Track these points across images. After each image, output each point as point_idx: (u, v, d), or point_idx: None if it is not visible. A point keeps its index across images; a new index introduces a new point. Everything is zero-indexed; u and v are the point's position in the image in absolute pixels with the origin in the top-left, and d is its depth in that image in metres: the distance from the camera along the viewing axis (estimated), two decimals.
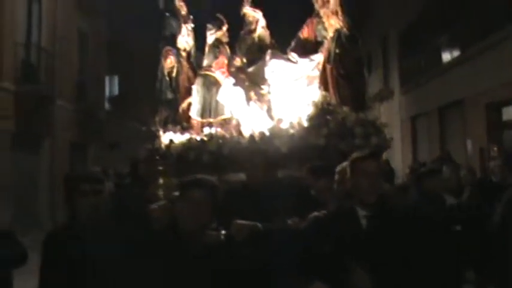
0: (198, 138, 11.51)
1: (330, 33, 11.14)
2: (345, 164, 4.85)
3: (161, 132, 12.24)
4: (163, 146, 11.79)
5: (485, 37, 15.09)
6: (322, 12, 11.60)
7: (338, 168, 5.55)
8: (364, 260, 3.88)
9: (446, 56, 18.04)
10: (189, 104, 12.96)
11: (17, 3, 17.23)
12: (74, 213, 4.35)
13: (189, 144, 11.36)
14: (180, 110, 13.10)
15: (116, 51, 25.87)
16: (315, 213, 5.18)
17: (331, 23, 11.13)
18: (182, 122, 12.79)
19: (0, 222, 5.88)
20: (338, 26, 10.91)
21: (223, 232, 4.25)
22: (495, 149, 14.21)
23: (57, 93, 19.32)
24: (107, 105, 27.82)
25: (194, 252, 3.82)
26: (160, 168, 10.72)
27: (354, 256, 3.93)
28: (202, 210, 3.84)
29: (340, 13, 10.91)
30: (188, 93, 13.17)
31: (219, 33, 13.16)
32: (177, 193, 4.25)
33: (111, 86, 29.71)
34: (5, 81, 15.57)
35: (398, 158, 20.39)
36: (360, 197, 4.13)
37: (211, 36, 13.21)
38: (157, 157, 11.36)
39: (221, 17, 13.29)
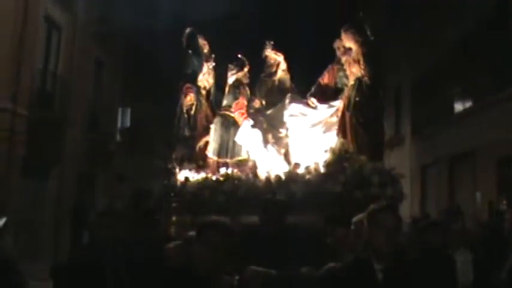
0: (214, 177, 11.49)
1: (351, 81, 11.20)
2: (361, 215, 4.81)
3: (177, 170, 12.22)
4: (178, 183, 11.77)
5: (499, 90, 15.10)
6: (343, 59, 11.68)
7: (355, 219, 5.52)
8: None
9: (458, 107, 18.04)
10: (206, 143, 12.97)
11: (38, 30, 17.40)
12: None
13: (204, 183, 11.34)
14: (197, 148, 13.09)
15: (130, 84, 26.03)
16: (331, 264, 5.14)
17: (352, 71, 11.19)
18: (198, 161, 12.77)
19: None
20: (359, 75, 10.95)
21: (237, 277, 4.22)
22: (504, 202, 14.08)
23: (70, 122, 19.36)
24: (118, 137, 27.88)
25: None
26: (174, 205, 10.71)
27: None
28: (218, 253, 3.80)
29: (361, 62, 10.96)
30: (206, 131, 13.19)
31: (240, 74, 13.23)
32: (192, 233, 4.23)
33: (124, 118, 29.84)
34: (20, 106, 15.65)
35: (407, 207, 20.19)
36: (376, 249, 4.10)
37: (232, 77, 13.24)
38: (172, 194, 11.36)
39: (243, 57, 13.34)
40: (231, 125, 12.65)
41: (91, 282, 4.21)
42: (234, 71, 13.27)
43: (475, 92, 16.96)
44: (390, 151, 23.34)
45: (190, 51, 14.07)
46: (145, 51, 24.95)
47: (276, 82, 13.20)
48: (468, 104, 17.38)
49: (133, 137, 27.56)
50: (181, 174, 12.03)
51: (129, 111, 29.98)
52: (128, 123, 30.07)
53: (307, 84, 12.88)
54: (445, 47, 19.02)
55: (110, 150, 24.47)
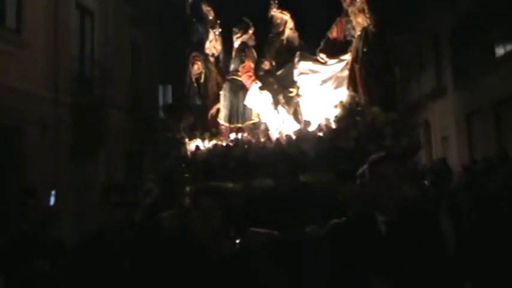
0: (224, 144, 11.30)
1: (358, 32, 10.87)
2: (365, 166, 4.55)
3: (187, 140, 12.03)
4: (189, 153, 11.59)
5: None
6: (350, 10, 11.34)
7: (359, 172, 5.24)
8: (383, 267, 3.59)
9: (499, 51, 17.54)
10: (218, 110, 12.76)
11: (71, 18, 17.43)
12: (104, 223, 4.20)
13: (214, 151, 11.15)
14: (209, 116, 12.89)
15: (168, 61, 25.99)
16: (335, 220, 4.89)
17: (358, 21, 10.85)
18: (211, 128, 12.57)
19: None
20: (365, 24, 10.62)
21: (237, 241, 4.05)
22: None
23: (111, 104, 19.46)
24: (161, 114, 28.00)
25: (207, 261, 3.65)
26: (187, 175, 10.54)
27: (372, 263, 3.64)
28: (214, 220, 3.66)
29: (366, 10, 10.61)
30: (217, 99, 13.02)
31: (245, 37, 12.92)
32: (188, 201, 4.08)
33: (165, 95, 29.99)
34: (61, 94, 15.74)
35: (455, 157, 19.77)
36: (379, 201, 3.82)
37: (237, 40, 12.96)
38: (183, 165, 11.19)
39: (247, 20, 13.04)
40: (239, 89, 12.43)
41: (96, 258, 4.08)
42: (238, 35, 12.98)
43: None
44: (433, 102, 22.95)
45: (194, 19, 13.78)
46: (178, 27, 24.85)
47: (284, 41, 12.93)
48: (510, 47, 16.86)
49: (176, 113, 27.55)
50: (192, 144, 11.83)
51: (170, 88, 30.14)
52: (169, 100, 30.25)
53: (316, 40, 12.54)
54: None
55: (155, 128, 24.54)
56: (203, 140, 12.10)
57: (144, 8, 22.22)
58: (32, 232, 5.49)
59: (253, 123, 12.10)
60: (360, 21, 10.79)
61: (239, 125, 12.18)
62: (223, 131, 12.41)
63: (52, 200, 9.42)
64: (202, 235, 3.67)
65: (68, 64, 16.69)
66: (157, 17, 24.66)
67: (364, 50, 10.44)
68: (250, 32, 12.97)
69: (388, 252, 3.66)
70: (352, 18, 11.19)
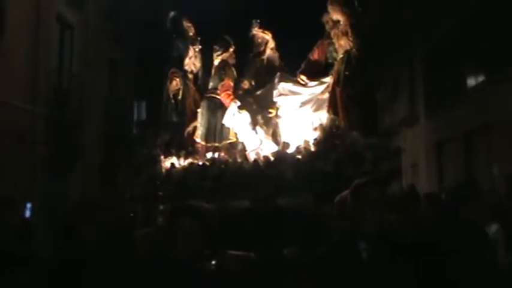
0: (200, 163, 11.11)
1: (340, 55, 10.78)
2: (344, 193, 4.39)
3: (162, 157, 11.83)
4: (163, 170, 11.39)
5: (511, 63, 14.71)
6: (332, 33, 11.26)
7: (337, 198, 5.10)
8: None
9: (471, 81, 17.73)
10: (195, 128, 12.60)
11: (51, 31, 17.35)
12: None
13: (190, 169, 10.96)
14: (186, 133, 12.73)
15: (143, 77, 26.07)
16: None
17: (341, 43, 10.77)
18: (187, 146, 12.39)
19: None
20: (348, 47, 10.52)
21: (213, 262, 3.89)
22: None
23: (87, 118, 19.41)
24: (134, 131, 28.03)
25: (183, 281, 3.44)
26: (161, 193, 10.34)
27: None
28: (191, 239, 3.45)
29: (350, 34, 10.52)
30: (194, 116, 12.88)
31: (225, 55, 12.79)
32: (164, 219, 3.91)
33: (140, 111, 30.10)
34: (38, 106, 15.58)
35: (424, 184, 19.89)
36: (362, 227, 3.66)
37: (217, 58, 12.81)
38: (158, 182, 10.98)
39: (228, 38, 12.90)
40: (217, 107, 12.27)
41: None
42: (219, 52, 12.85)
43: (487, 64, 16.62)
44: (406, 129, 23.12)
45: (174, 35, 13.65)
46: (156, 44, 24.92)
47: (265, 61, 12.84)
48: (481, 78, 17.04)
49: (149, 128, 27.62)
50: (168, 162, 11.63)
51: (144, 104, 30.27)
52: (143, 116, 30.35)
53: (297, 62, 12.46)
54: (456, 21, 18.69)
55: (128, 143, 24.50)
56: (178, 157, 11.91)
57: (123, 24, 22.25)
58: (8, 243, 5.31)
59: (230, 143, 11.93)
60: (342, 44, 10.71)
61: (216, 144, 11.99)
62: (200, 149, 12.23)
63: (27, 213, 9.25)
64: (180, 255, 3.47)
65: (46, 76, 16.60)
66: (136, 34, 24.78)
67: (346, 73, 10.34)
68: (231, 50, 12.86)
69: (370, 279, 3.53)
70: (334, 40, 11.12)
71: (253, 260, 4.85)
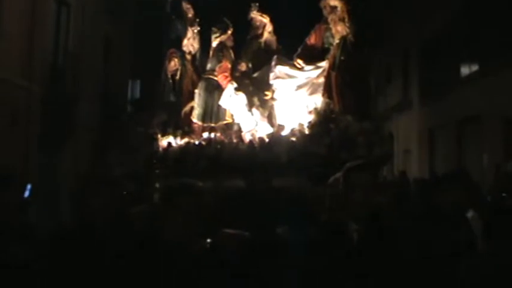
0: (197, 142, 11.27)
1: (336, 40, 10.95)
2: (337, 174, 4.57)
3: (159, 136, 11.98)
4: (161, 149, 11.54)
5: (504, 53, 14.84)
6: (329, 18, 11.41)
7: (330, 180, 5.28)
8: (355, 275, 3.63)
9: (465, 70, 17.85)
10: (192, 108, 12.72)
11: (47, 8, 17.27)
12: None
13: (186, 149, 11.12)
14: (182, 113, 12.85)
15: (139, 56, 25.98)
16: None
17: (337, 29, 10.93)
18: (184, 126, 12.52)
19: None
20: (344, 33, 10.70)
21: (208, 240, 4.02)
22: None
23: (82, 96, 19.42)
24: (129, 109, 27.99)
25: (179, 260, 3.60)
26: (157, 171, 10.49)
27: (344, 271, 3.67)
28: (189, 217, 3.61)
29: (347, 20, 10.69)
30: (191, 97, 12.95)
31: (223, 37, 12.87)
32: (160, 197, 4.02)
33: (134, 90, 30.01)
34: (33, 83, 15.62)
35: (415, 170, 20.03)
36: (352, 209, 3.86)
37: (215, 40, 12.92)
38: (154, 161, 11.13)
39: (227, 20, 13.00)
40: (214, 88, 12.40)
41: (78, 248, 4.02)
42: (217, 34, 12.93)
43: (481, 55, 16.73)
44: (399, 114, 23.21)
45: (173, 16, 13.72)
46: (152, 23, 24.81)
47: (262, 44, 12.95)
48: (474, 68, 17.15)
49: (144, 107, 27.55)
50: (165, 141, 11.78)
51: (138, 83, 30.16)
52: (137, 95, 30.28)
53: (294, 45, 12.59)
54: (452, 10, 18.76)
55: (122, 121, 24.48)
56: (175, 137, 12.05)
57: (120, 2, 22.17)
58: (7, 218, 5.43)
59: (226, 124, 12.10)
60: (339, 30, 10.87)
61: (212, 125, 12.14)
62: (196, 129, 12.35)
63: (27, 193, 9.36)
64: (175, 233, 3.64)
65: (42, 55, 16.60)
66: (132, 12, 24.66)
67: (342, 58, 10.53)
68: (229, 32, 12.93)
69: (360, 259, 3.70)
70: (331, 26, 11.26)
71: (248, 239, 5.01)
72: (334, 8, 11.23)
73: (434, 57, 19.74)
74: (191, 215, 3.55)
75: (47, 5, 17.04)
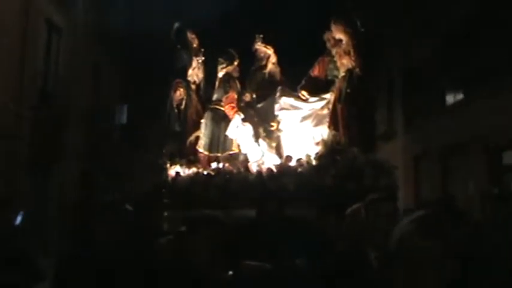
0: (205, 172, 11.39)
1: (342, 73, 11.14)
2: (356, 206, 4.72)
3: (168, 165, 12.09)
4: (169, 179, 11.65)
5: (488, 82, 15.06)
6: (334, 51, 11.62)
7: (349, 210, 5.42)
8: None
9: (449, 99, 18.07)
10: (197, 138, 12.83)
11: (39, 33, 17.41)
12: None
13: (195, 179, 11.24)
14: (187, 143, 12.97)
15: (128, 82, 26.03)
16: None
17: (343, 62, 11.13)
18: (189, 156, 12.64)
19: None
20: (350, 66, 10.90)
21: (230, 272, 4.14)
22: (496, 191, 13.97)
23: (70, 121, 19.42)
24: (116, 134, 27.92)
25: None
26: (166, 201, 10.59)
27: None
28: (213, 248, 3.74)
29: (352, 53, 10.90)
30: (196, 126, 13.05)
31: (230, 68, 13.07)
32: (183, 228, 4.14)
33: (121, 115, 29.88)
34: (24, 107, 15.67)
35: (401, 198, 20.12)
36: (375, 238, 4.01)
37: (222, 71, 13.11)
38: (163, 190, 11.23)
39: (233, 51, 13.20)
40: (221, 119, 12.54)
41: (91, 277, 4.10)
42: (224, 65, 13.12)
43: (466, 83, 16.95)
44: (384, 144, 23.37)
45: (179, 46, 13.89)
46: (142, 50, 24.91)
47: (266, 75, 13.15)
48: (459, 96, 17.38)
49: (131, 133, 27.49)
50: (173, 170, 11.89)
51: (125, 108, 30.04)
52: (124, 120, 30.08)
53: (297, 77, 12.78)
54: (436, 40, 19.03)
55: (109, 147, 24.46)
56: (181, 166, 12.15)
57: (109, 29, 22.22)
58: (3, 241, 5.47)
59: (231, 154, 12.22)
60: (344, 63, 11.07)
61: (218, 155, 12.26)
62: (201, 159, 12.46)
63: (18, 220, 9.36)
64: (201, 263, 3.72)
65: (32, 78, 16.63)
66: (121, 39, 24.68)
67: (348, 91, 10.71)
68: (235, 63, 13.12)
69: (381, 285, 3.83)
70: (336, 59, 11.47)
71: (269, 271, 5.13)
72: (339, 41, 11.43)
73: (418, 85, 19.95)
74: (216, 246, 3.70)
75: (38, 29, 17.15)
